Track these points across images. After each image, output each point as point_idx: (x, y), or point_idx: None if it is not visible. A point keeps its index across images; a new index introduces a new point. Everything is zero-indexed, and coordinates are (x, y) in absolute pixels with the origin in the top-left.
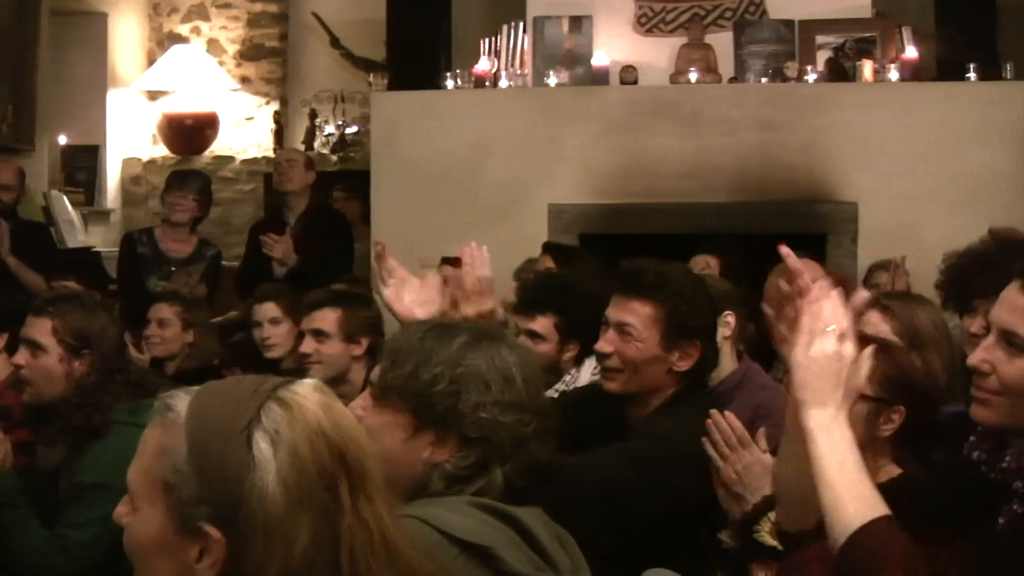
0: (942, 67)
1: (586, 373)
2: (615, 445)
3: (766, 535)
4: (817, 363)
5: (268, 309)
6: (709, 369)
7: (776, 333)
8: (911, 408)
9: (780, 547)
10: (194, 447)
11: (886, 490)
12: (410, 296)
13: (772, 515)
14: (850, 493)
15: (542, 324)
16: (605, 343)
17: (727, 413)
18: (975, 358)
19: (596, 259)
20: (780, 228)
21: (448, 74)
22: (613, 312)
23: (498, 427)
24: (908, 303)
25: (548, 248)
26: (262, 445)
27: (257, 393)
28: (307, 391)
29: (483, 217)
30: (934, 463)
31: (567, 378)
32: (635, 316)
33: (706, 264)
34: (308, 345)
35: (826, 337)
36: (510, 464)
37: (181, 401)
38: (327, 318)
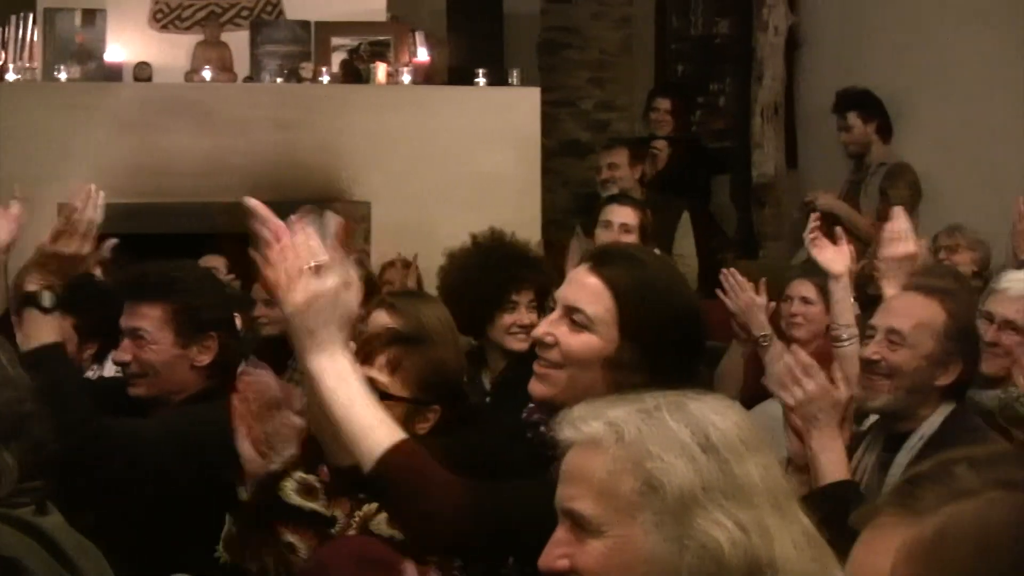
0: (453, 72)
1: (110, 371)
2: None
3: (291, 493)
4: (306, 304)
5: None
6: (234, 360)
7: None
8: (445, 405)
9: (305, 506)
10: None
11: (441, 450)
12: None
13: (297, 474)
14: (368, 421)
15: None
16: (122, 352)
17: (266, 372)
18: (538, 331)
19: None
20: None
21: None
22: (125, 320)
23: None
24: (413, 300)
25: None
26: None
27: None
28: None
29: None
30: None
31: (90, 375)
32: (146, 320)
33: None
34: None
35: (304, 276)
36: (15, 443)
37: None
38: None
